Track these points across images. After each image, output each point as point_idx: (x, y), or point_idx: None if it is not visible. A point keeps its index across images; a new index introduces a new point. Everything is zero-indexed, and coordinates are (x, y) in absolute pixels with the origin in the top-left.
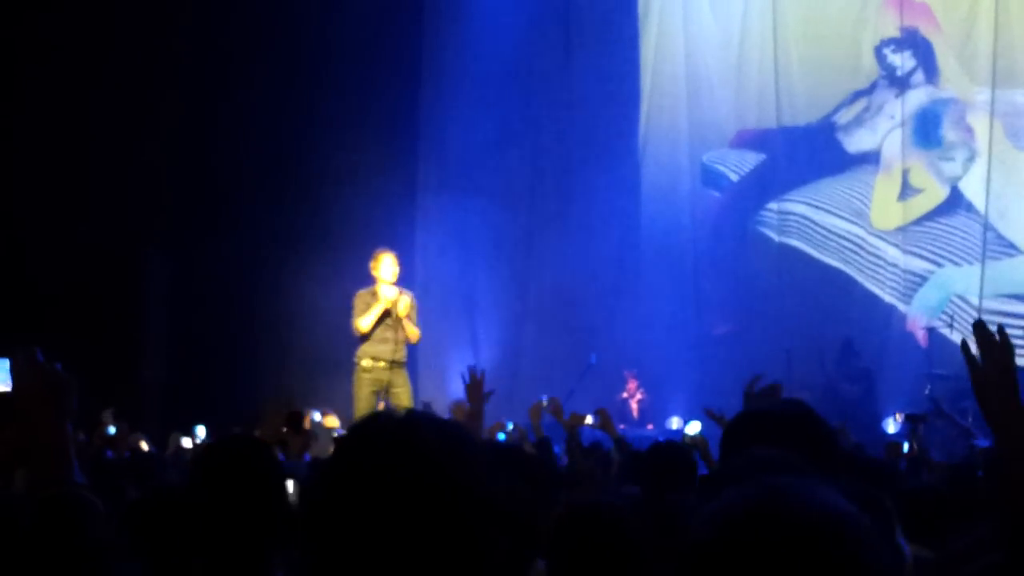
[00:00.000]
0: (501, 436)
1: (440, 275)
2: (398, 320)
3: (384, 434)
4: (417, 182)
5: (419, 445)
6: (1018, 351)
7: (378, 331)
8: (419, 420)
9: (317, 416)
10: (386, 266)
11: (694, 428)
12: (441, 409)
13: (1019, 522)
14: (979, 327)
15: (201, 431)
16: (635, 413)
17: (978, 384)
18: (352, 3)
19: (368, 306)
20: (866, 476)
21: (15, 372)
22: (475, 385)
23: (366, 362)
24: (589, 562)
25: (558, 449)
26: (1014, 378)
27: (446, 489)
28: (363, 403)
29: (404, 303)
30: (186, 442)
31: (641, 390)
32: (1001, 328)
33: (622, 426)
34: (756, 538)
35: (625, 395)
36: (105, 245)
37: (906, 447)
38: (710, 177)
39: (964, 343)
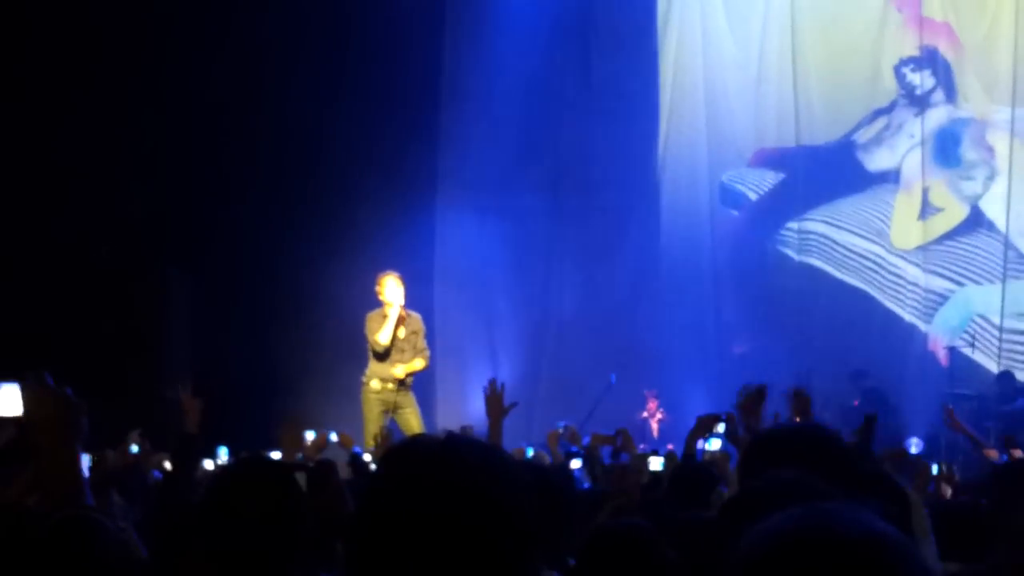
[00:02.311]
0: None
1: (459, 295)
2: (408, 341)
3: (428, 455)
4: (437, 201)
5: (462, 466)
6: None
7: (392, 353)
8: (460, 442)
9: (334, 436)
10: (391, 288)
11: (715, 445)
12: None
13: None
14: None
15: (223, 453)
16: (655, 433)
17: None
18: (372, 19)
19: (380, 324)
20: (889, 496)
21: (25, 397)
22: (495, 398)
23: (375, 383)
24: None
25: (579, 472)
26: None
27: (488, 510)
28: (372, 424)
29: (416, 330)
30: (208, 464)
31: (661, 410)
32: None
33: (642, 446)
34: (806, 562)
35: (645, 415)
36: (125, 265)
37: (935, 468)
38: (729, 196)
39: None
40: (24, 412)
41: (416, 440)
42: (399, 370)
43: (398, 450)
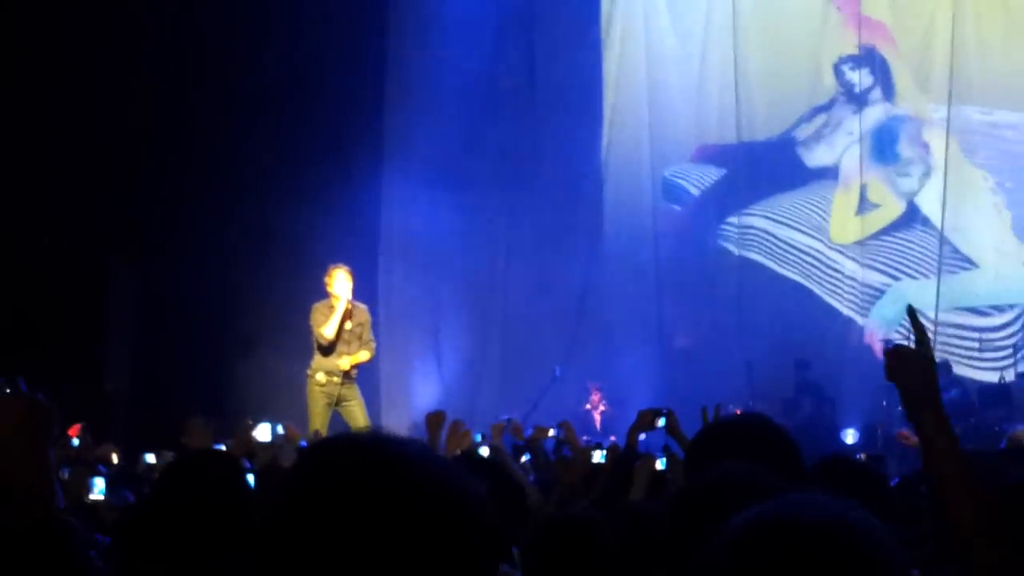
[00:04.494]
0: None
1: (404, 288)
2: (354, 334)
3: (349, 450)
4: (382, 196)
5: (386, 460)
6: (974, 361)
7: (337, 345)
8: (384, 436)
9: (280, 429)
10: (340, 281)
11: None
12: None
13: (946, 521)
14: (896, 352)
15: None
16: (598, 425)
17: (905, 398)
18: (316, 14)
19: (327, 316)
20: (841, 484)
21: None
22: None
23: (320, 376)
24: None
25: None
26: (935, 391)
27: (415, 504)
28: (318, 417)
29: (363, 323)
30: (151, 458)
31: (604, 402)
32: (921, 341)
33: (585, 437)
34: (785, 550)
35: (589, 407)
36: (68, 254)
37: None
38: (672, 191)
39: (887, 361)
40: None
41: (337, 437)
42: (344, 362)
43: (316, 447)
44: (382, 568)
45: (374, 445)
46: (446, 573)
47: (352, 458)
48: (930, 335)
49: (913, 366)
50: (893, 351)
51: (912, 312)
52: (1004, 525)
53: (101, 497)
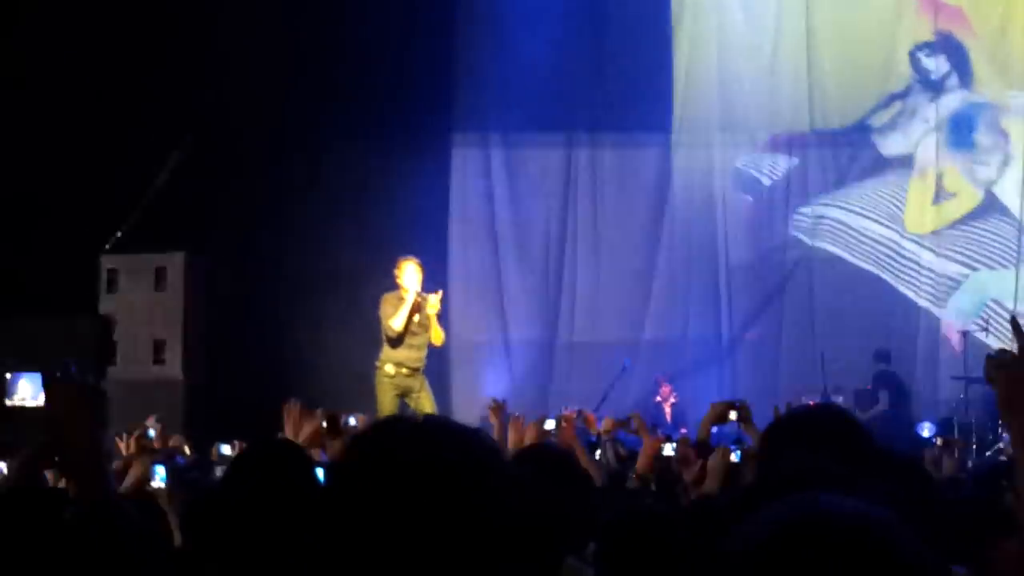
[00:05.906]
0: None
1: (474, 279)
2: (422, 326)
3: (398, 436)
4: (452, 187)
5: (432, 449)
6: None
7: (405, 338)
8: (436, 424)
9: (352, 420)
10: (409, 273)
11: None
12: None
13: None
14: (1016, 323)
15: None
16: (669, 417)
17: (1008, 385)
18: (382, 7)
19: (396, 308)
20: (902, 478)
21: (47, 386)
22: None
23: (390, 367)
24: (637, 568)
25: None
26: None
27: (457, 495)
28: (387, 408)
29: (434, 301)
30: (226, 448)
31: (675, 394)
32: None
33: (657, 430)
34: (797, 546)
35: (659, 399)
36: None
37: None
38: (743, 182)
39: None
40: (47, 402)
41: (389, 421)
42: (434, 301)
43: (364, 433)
44: (410, 545)
45: (423, 428)
46: (476, 560)
47: (401, 437)
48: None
49: (1013, 373)
50: (997, 361)
51: (1016, 324)
52: None
53: (162, 485)
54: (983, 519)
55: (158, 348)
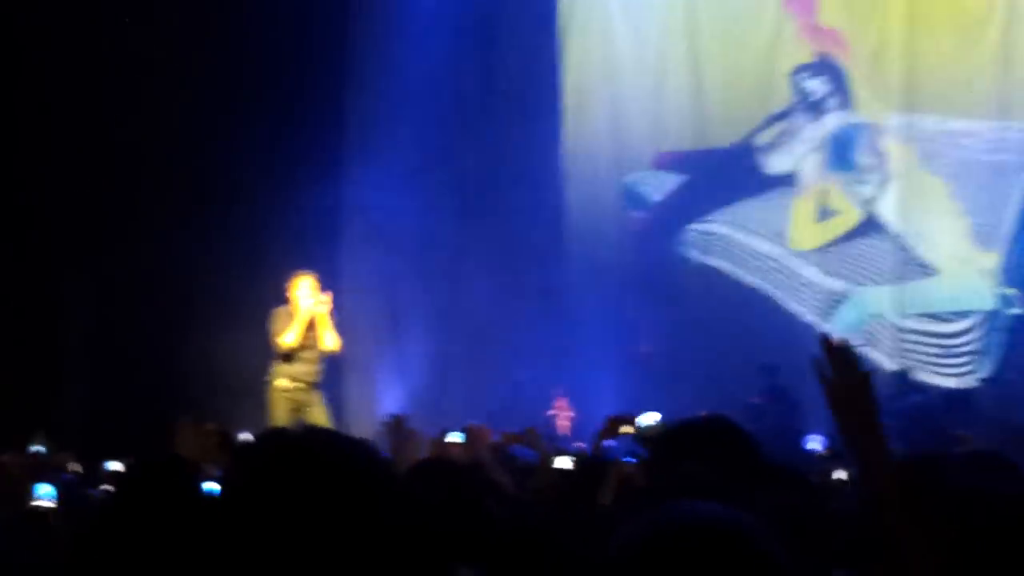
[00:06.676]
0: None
1: (366, 296)
2: (317, 340)
3: (283, 449)
4: (342, 201)
5: (316, 461)
6: (932, 368)
7: (300, 352)
8: (321, 436)
9: (245, 436)
10: (303, 289)
11: (651, 418)
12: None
13: (880, 537)
14: (826, 342)
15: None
16: (565, 431)
17: (832, 401)
18: (275, 20)
19: (287, 323)
20: (788, 488)
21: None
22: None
23: (283, 382)
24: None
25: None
26: (869, 396)
27: (341, 504)
28: (281, 423)
29: (323, 298)
30: (113, 465)
31: (572, 408)
32: (845, 343)
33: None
34: (664, 552)
35: (554, 412)
36: (19, 263)
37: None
38: (633, 198)
39: (816, 359)
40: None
41: (270, 435)
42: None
43: (250, 446)
44: (297, 555)
45: (308, 440)
46: (360, 569)
47: (286, 450)
48: (890, 341)
49: (844, 367)
50: (824, 339)
51: (826, 340)
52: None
53: (48, 503)
54: (866, 528)
55: None
